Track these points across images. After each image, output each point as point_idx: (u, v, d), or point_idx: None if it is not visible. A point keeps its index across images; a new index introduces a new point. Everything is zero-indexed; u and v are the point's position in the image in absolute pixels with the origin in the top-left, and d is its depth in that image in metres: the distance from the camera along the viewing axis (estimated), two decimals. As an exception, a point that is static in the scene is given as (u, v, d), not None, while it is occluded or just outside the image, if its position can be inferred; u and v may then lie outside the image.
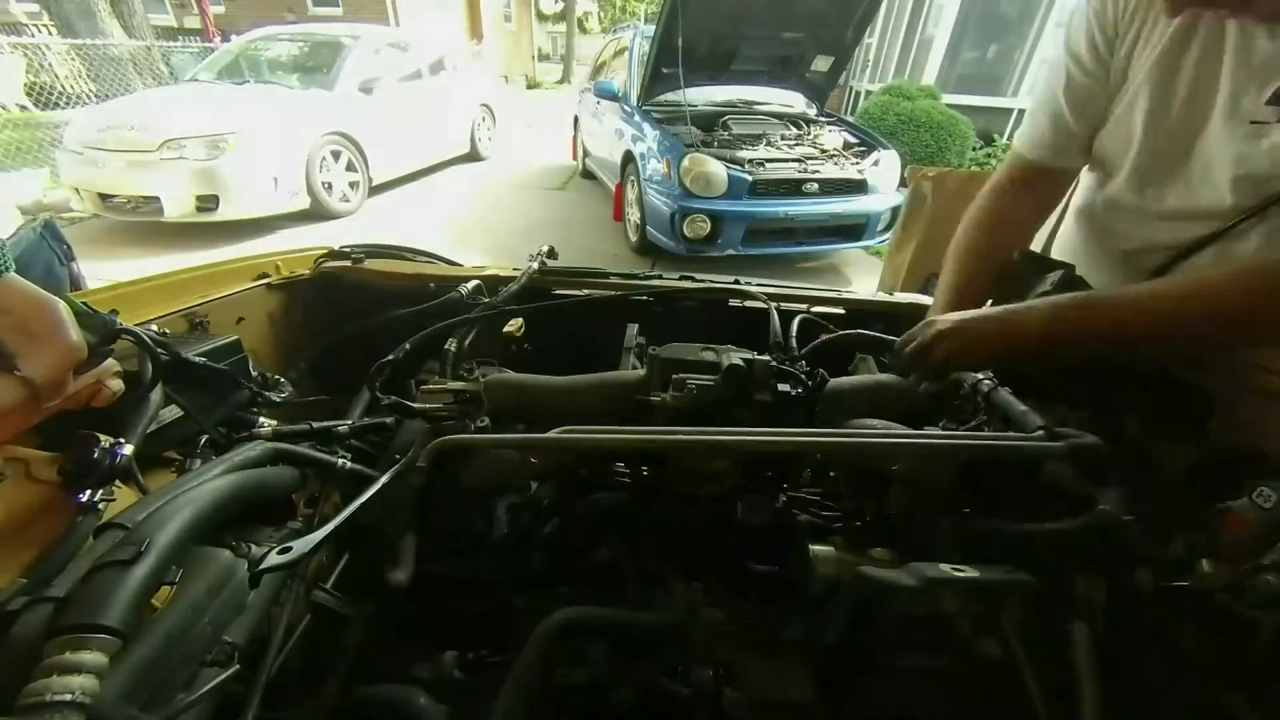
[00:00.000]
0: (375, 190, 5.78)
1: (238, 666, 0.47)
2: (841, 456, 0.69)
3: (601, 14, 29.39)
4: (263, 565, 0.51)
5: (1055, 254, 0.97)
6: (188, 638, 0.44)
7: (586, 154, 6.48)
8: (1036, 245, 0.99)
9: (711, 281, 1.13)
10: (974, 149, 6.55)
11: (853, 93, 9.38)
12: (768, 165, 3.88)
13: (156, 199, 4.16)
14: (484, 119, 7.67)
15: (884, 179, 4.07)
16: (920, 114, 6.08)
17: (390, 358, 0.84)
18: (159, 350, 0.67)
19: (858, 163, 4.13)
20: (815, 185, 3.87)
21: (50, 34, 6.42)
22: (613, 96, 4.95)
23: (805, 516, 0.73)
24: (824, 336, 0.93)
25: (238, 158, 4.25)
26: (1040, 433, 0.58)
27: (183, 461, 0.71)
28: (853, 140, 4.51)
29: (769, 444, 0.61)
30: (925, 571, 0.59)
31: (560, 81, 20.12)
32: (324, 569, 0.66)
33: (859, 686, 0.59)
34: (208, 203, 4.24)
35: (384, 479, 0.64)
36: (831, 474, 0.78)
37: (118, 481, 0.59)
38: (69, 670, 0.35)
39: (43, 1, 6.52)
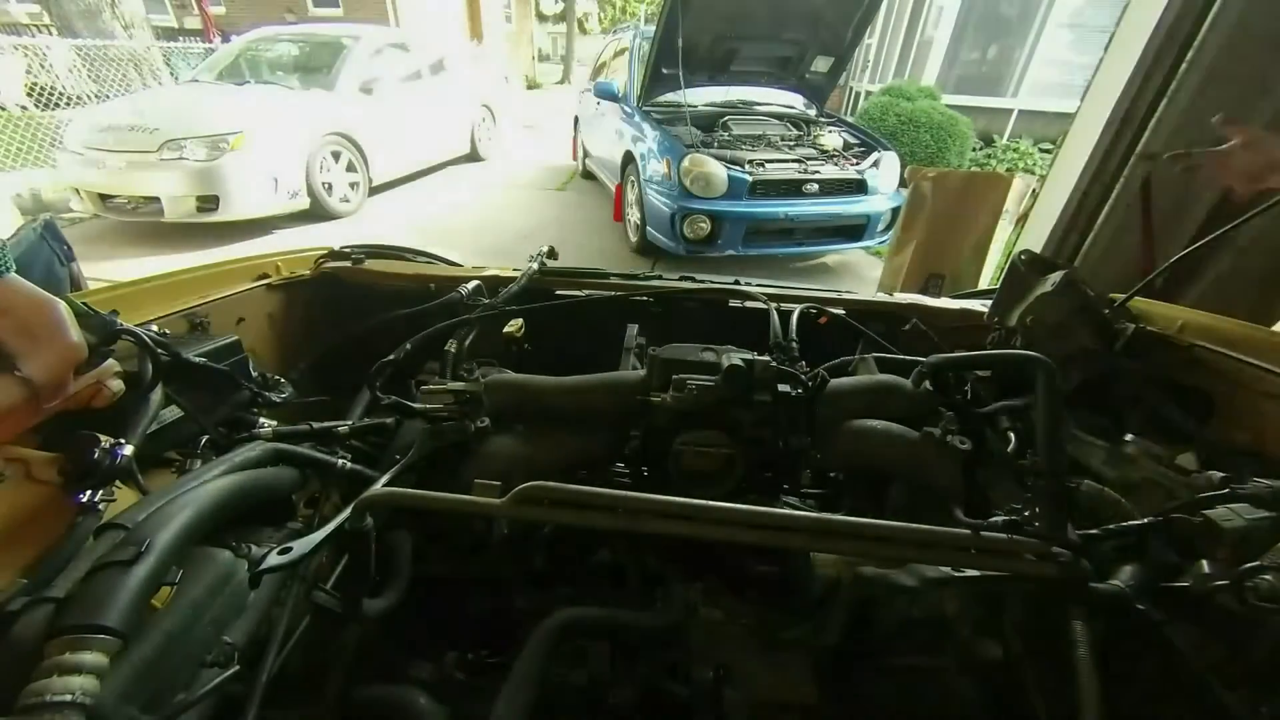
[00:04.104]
0: (375, 191, 5.78)
1: (238, 667, 0.47)
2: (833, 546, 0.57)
3: (601, 14, 29.41)
4: (263, 565, 0.51)
5: None
6: (188, 638, 0.44)
7: (586, 154, 6.48)
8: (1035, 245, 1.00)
9: (711, 282, 1.13)
10: (974, 149, 6.56)
11: (853, 93, 9.38)
12: (768, 166, 3.88)
13: (156, 199, 4.17)
14: (484, 119, 7.68)
15: (884, 179, 4.07)
16: (920, 115, 6.09)
17: (391, 358, 0.84)
18: (159, 350, 0.67)
19: (857, 163, 4.14)
20: (815, 186, 3.87)
21: (50, 34, 6.42)
22: (613, 97, 4.95)
23: None
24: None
25: (238, 158, 4.25)
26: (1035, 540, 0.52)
27: (183, 462, 0.71)
28: (853, 141, 4.51)
29: (750, 534, 0.51)
30: (925, 572, 0.59)
31: (560, 82, 20.12)
32: (324, 569, 0.66)
33: (859, 687, 0.59)
34: (208, 203, 4.24)
35: (384, 479, 0.64)
36: (831, 474, 0.78)
37: (118, 482, 0.59)
38: (69, 670, 0.35)
39: (43, 2, 6.53)
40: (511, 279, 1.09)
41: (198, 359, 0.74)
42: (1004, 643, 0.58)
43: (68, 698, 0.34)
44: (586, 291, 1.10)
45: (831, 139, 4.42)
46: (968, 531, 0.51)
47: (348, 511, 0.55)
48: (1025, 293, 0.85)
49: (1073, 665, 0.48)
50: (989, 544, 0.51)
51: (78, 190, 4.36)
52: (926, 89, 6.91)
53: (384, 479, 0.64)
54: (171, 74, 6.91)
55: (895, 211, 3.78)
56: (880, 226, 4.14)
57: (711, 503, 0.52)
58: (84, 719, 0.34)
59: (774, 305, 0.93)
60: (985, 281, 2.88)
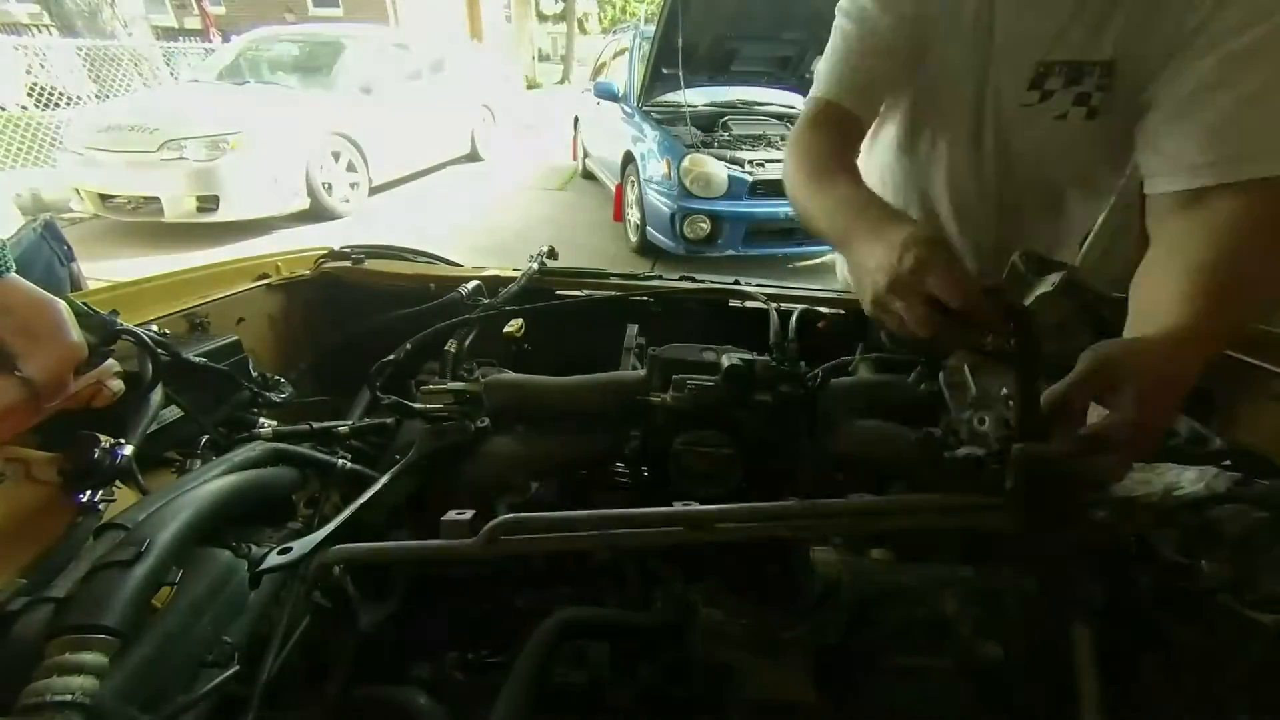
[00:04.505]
0: (375, 191, 5.78)
1: (238, 667, 0.47)
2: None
3: (601, 14, 29.40)
4: (263, 566, 0.51)
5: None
6: (188, 638, 0.44)
7: (586, 154, 6.48)
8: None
9: (711, 282, 1.13)
10: (974, 149, 6.55)
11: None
12: (768, 166, 3.88)
13: (156, 199, 4.17)
14: (484, 119, 7.68)
15: (884, 179, 4.07)
16: (920, 114, 6.07)
17: (391, 358, 0.84)
18: (159, 350, 0.67)
19: (857, 163, 4.13)
20: (815, 186, 3.87)
21: (50, 34, 6.42)
22: (613, 97, 4.95)
23: None
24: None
25: (238, 158, 4.26)
26: None
27: (183, 462, 0.71)
28: (853, 141, 4.51)
29: (736, 529, 0.55)
30: (926, 572, 0.59)
31: (560, 82, 20.12)
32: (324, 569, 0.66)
33: (859, 686, 0.59)
34: (208, 203, 4.25)
35: (384, 479, 0.64)
36: (833, 475, 0.78)
37: (118, 482, 0.59)
38: (69, 670, 0.35)
39: (43, 2, 6.53)
40: (511, 279, 1.09)
41: (198, 359, 0.74)
42: (1004, 643, 0.58)
43: (68, 697, 0.34)
44: (586, 291, 1.10)
45: (831, 139, 4.41)
46: (936, 496, 0.57)
47: (354, 507, 0.56)
48: (1025, 292, 0.85)
49: (1073, 665, 0.48)
50: (956, 505, 0.56)
51: (78, 190, 4.37)
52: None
53: (383, 480, 0.64)
54: (171, 74, 6.91)
55: (895, 211, 3.77)
56: (880, 226, 4.13)
57: (690, 508, 0.55)
58: (84, 718, 0.34)
59: (774, 305, 0.93)
60: (985, 281, 2.87)
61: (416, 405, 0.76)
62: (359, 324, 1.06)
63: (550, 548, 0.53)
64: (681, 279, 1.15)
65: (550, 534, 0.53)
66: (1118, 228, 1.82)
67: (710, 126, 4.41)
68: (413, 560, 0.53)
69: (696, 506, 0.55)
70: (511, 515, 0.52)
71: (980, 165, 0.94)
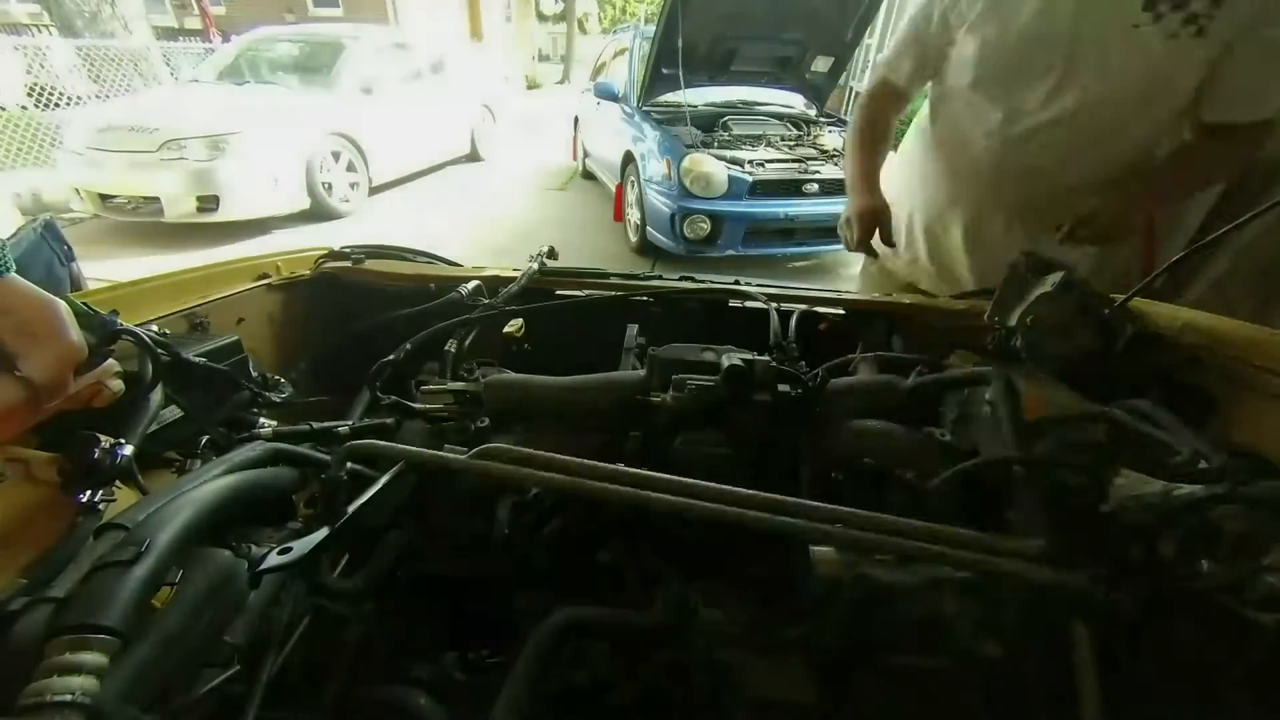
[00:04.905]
0: (375, 191, 5.78)
1: (238, 667, 0.47)
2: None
3: (601, 14, 29.39)
4: (263, 566, 0.51)
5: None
6: (188, 638, 0.44)
7: (586, 154, 6.48)
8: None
9: (711, 282, 1.13)
10: (974, 149, 6.55)
11: (853, 93, 9.36)
12: (768, 166, 3.89)
13: (156, 199, 4.17)
14: (484, 119, 7.68)
15: (884, 179, 4.07)
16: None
17: (391, 358, 0.84)
18: (159, 350, 0.67)
19: (858, 163, 4.13)
20: (815, 186, 3.87)
21: (50, 34, 6.43)
22: (613, 97, 4.95)
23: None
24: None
25: (238, 158, 4.26)
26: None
27: (183, 462, 0.71)
28: (853, 141, 4.51)
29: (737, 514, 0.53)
30: (926, 572, 0.59)
31: (560, 82, 20.11)
32: (324, 569, 0.66)
33: (859, 686, 0.59)
34: (208, 203, 4.25)
35: (384, 479, 0.64)
36: (833, 474, 0.78)
37: (118, 482, 0.59)
38: (69, 670, 0.35)
39: (43, 2, 6.54)
40: (511, 279, 1.09)
41: (198, 359, 0.74)
42: (1004, 643, 0.58)
43: (68, 698, 0.34)
44: (586, 291, 1.10)
45: (832, 139, 4.42)
46: (975, 532, 0.54)
47: (355, 507, 0.56)
48: (1025, 293, 0.85)
49: (1073, 665, 0.48)
50: (988, 545, 0.53)
51: (78, 190, 4.36)
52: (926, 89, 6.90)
53: (384, 478, 0.64)
54: (171, 74, 6.91)
55: (895, 211, 3.77)
56: (880, 226, 4.14)
57: (688, 480, 0.54)
58: (84, 718, 0.34)
59: (774, 305, 0.93)
60: (985, 281, 2.87)
61: (416, 405, 0.76)
62: (359, 324, 1.06)
63: (532, 479, 0.56)
64: (681, 279, 1.15)
65: (537, 470, 0.56)
66: (1118, 228, 1.81)
67: (710, 126, 4.41)
68: (421, 463, 0.58)
69: (692, 482, 0.55)
70: (501, 445, 0.57)
71: (1060, 98, 1.09)
